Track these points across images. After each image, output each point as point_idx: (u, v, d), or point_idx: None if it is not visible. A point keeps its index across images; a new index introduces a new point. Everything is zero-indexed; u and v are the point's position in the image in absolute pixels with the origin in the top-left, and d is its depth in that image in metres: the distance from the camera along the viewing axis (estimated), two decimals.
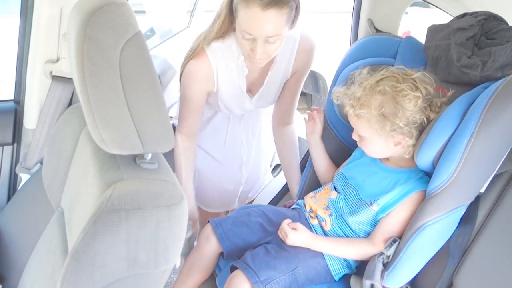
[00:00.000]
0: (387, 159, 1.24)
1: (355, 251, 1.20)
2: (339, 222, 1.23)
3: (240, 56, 1.37)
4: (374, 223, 1.20)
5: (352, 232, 1.22)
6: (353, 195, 1.23)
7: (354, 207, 1.21)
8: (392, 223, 1.17)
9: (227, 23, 1.32)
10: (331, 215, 1.25)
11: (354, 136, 1.22)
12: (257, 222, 1.31)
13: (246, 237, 1.28)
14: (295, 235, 1.19)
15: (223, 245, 1.27)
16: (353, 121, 1.20)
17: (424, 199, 1.11)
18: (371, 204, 1.18)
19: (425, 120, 1.13)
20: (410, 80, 1.14)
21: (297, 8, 1.27)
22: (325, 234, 1.25)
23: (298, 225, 1.21)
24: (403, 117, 1.10)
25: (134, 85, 0.77)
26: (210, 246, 1.29)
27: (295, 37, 1.41)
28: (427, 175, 1.18)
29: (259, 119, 1.67)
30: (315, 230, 1.27)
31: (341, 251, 1.21)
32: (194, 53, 1.37)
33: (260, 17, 1.18)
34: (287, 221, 1.22)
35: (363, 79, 1.18)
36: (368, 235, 1.21)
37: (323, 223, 1.26)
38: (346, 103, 1.19)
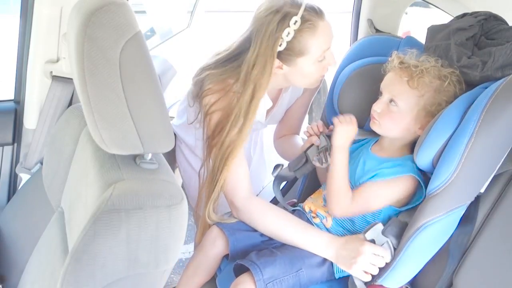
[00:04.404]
0: (378, 148, 1.24)
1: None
2: (337, 219, 1.23)
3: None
4: (372, 214, 1.19)
5: (353, 226, 1.22)
6: None
7: None
8: (371, 191, 1.17)
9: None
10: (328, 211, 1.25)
11: (378, 105, 1.18)
12: None
13: (252, 236, 1.27)
14: None
15: (230, 242, 1.25)
16: (399, 88, 1.15)
17: (425, 199, 1.11)
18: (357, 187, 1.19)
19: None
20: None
21: None
22: (328, 231, 1.25)
23: None
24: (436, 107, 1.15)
25: (134, 85, 0.77)
26: (215, 248, 1.28)
27: None
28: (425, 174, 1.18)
29: (260, 133, 1.68)
30: (318, 228, 1.26)
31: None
32: None
33: (327, 26, 1.25)
34: None
35: (429, 60, 1.18)
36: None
37: (324, 221, 1.26)
38: (403, 67, 1.16)
